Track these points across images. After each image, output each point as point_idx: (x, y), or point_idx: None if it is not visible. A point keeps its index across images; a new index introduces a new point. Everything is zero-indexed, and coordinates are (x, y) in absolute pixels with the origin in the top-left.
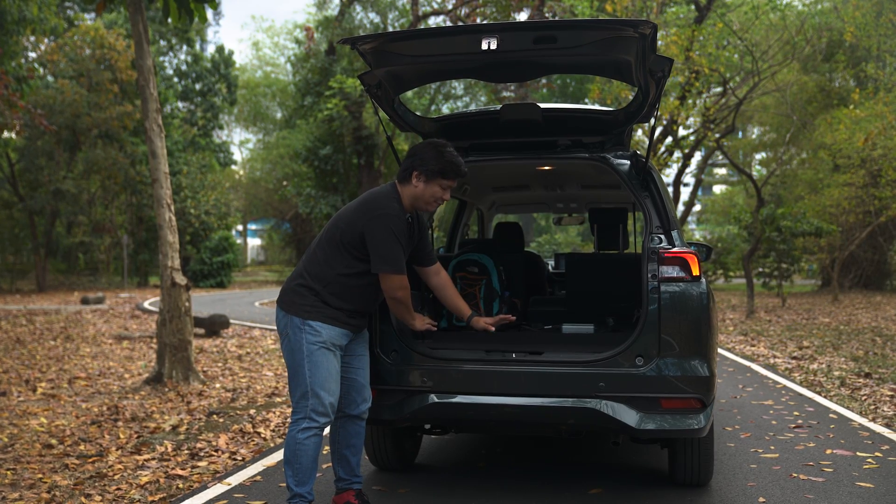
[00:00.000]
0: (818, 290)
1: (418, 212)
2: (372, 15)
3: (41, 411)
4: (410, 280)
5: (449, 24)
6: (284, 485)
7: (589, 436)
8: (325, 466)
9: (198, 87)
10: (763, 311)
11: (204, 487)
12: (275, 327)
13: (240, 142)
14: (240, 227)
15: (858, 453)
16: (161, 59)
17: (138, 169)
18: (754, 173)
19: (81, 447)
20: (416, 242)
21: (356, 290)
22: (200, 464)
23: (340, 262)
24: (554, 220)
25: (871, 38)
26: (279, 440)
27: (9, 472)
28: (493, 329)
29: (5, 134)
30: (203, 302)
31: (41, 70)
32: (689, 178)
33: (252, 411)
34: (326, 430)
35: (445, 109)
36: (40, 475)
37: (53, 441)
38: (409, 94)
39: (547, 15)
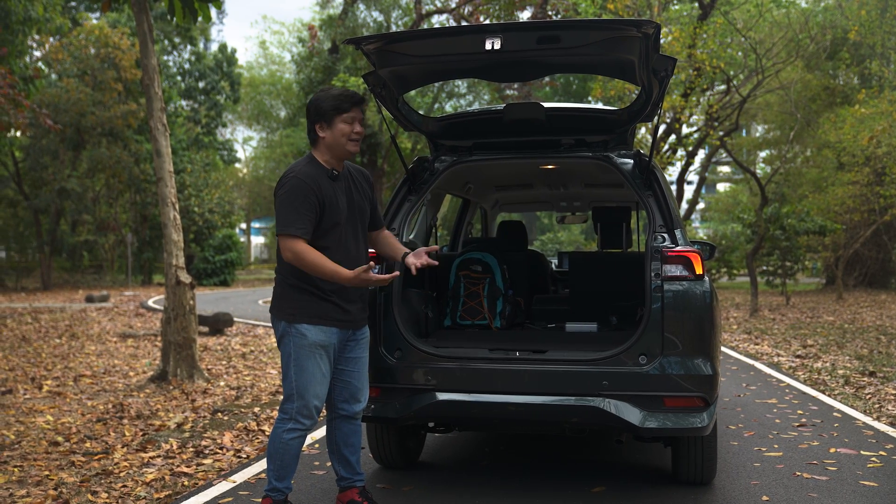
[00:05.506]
0: (822, 288)
1: (355, 174)
2: (375, 13)
3: (47, 409)
4: (411, 278)
5: (452, 22)
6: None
7: (592, 434)
8: (328, 464)
9: (201, 85)
10: (767, 310)
11: (209, 485)
12: None
13: (243, 139)
14: (243, 226)
15: (862, 452)
16: (165, 57)
17: (142, 167)
18: (758, 171)
19: (87, 444)
20: (368, 205)
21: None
22: (206, 461)
23: None
24: (557, 218)
25: (876, 36)
26: None
27: (16, 469)
28: (420, 264)
29: (10, 133)
30: (207, 300)
31: (46, 69)
32: (692, 176)
33: (256, 409)
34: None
35: (448, 107)
36: (47, 472)
37: (59, 438)
38: (412, 91)
39: (550, 13)
